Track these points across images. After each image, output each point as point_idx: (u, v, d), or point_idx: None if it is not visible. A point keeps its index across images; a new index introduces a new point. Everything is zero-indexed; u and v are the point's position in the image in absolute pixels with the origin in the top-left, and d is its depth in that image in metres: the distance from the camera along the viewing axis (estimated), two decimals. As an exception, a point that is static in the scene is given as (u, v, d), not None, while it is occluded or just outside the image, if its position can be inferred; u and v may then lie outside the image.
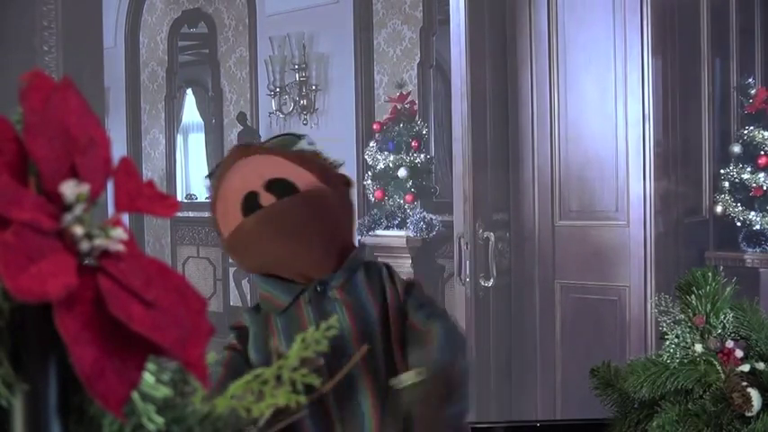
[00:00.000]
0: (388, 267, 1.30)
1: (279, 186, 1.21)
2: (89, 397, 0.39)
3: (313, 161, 1.25)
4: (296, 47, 5.68)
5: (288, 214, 1.20)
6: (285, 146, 1.27)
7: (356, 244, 1.34)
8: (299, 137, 1.29)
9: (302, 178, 1.22)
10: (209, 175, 1.32)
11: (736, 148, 3.77)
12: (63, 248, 0.38)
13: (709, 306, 1.43)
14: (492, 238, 3.31)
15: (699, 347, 1.39)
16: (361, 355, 1.20)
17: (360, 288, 1.26)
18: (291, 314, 1.26)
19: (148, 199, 0.43)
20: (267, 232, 1.20)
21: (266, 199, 1.20)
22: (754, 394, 1.29)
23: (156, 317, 0.39)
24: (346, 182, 1.32)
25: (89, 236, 0.39)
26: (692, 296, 1.43)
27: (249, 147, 1.30)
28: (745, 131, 3.78)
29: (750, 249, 3.67)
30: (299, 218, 1.21)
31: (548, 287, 3.53)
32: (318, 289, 1.25)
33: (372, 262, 1.32)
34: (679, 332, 1.41)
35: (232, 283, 6.24)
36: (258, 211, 1.20)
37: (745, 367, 1.34)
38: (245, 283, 6.10)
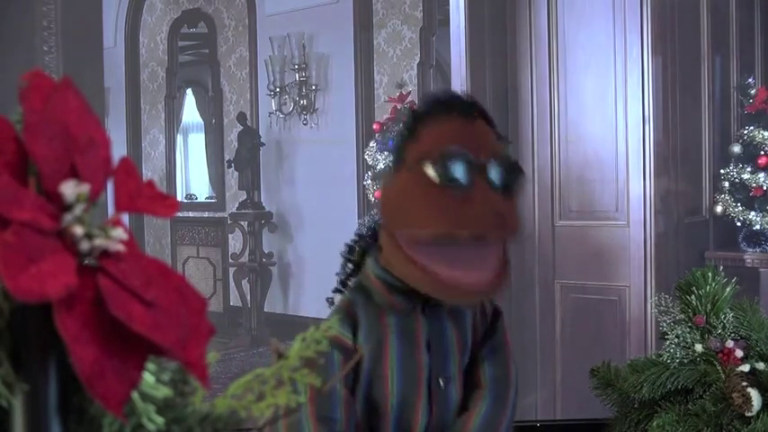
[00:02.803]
0: None
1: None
2: (89, 397, 0.39)
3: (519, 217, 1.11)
4: (296, 47, 5.68)
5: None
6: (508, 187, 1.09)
7: None
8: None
9: None
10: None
11: (736, 148, 3.77)
12: (63, 248, 0.38)
13: (709, 306, 1.43)
14: (492, 238, 3.30)
15: (699, 347, 1.39)
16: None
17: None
18: (407, 317, 1.20)
19: (148, 199, 0.43)
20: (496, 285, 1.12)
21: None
22: (754, 394, 1.29)
23: (156, 317, 0.39)
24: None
25: (89, 236, 0.39)
26: (692, 296, 1.43)
27: (497, 218, 1.05)
28: (745, 131, 3.78)
29: (750, 249, 3.67)
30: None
31: (548, 287, 3.53)
32: (433, 302, 1.21)
33: None
34: (679, 332, 1.41)
35: (232, 283, 6.24)
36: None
37: (745, 367, 1.34)
38: (245, 283, 6.10)
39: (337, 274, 1.31)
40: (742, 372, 1.33)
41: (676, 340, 1.41)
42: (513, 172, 1.09)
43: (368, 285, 1.21)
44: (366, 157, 4.95)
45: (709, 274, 1.45)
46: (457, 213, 1.03)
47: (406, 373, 1.20)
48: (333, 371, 1.16)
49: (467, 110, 1.13)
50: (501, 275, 1.08)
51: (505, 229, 1.06)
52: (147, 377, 0.43)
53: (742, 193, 3.71)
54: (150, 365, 0.44)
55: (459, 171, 1.05)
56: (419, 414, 1.20)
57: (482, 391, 1.24)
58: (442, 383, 1.21)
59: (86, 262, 0.39)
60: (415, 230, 1.06)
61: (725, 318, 1.41)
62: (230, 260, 6.25)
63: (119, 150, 0.55)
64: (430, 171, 1.05)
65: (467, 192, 1.04)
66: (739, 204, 3.70)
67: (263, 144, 6.04)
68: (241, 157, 6.03)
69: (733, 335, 1.41)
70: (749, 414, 1.29)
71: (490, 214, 1.03)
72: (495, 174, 1.06)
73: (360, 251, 1.26)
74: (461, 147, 1.07)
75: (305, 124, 5.76)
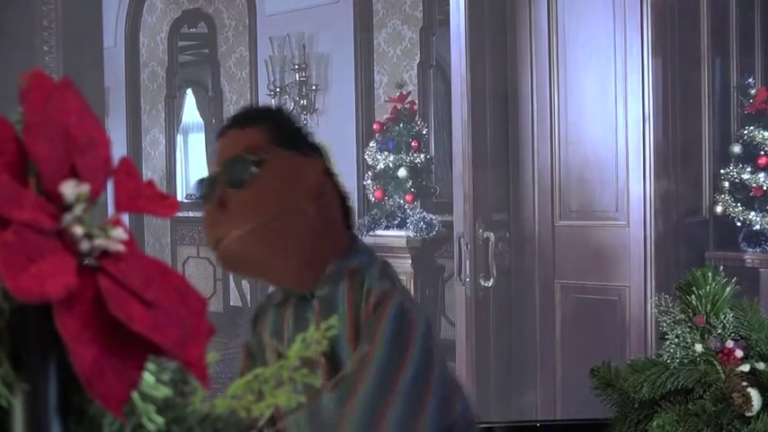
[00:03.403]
0: (369, 276, 1.23)
1: None
2: (89, 397, 0.39)
3: (273, 198, 1.20)
4: (296, 47, 5.68)
5: (264, 236, 1.20)
6: (237, 179, 1.21)
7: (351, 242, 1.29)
8: (244, 159, 1.21)
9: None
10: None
11: (736, 148, 3.77)
12: (63, 248, 0.38)
13: (709, 306, 1.43)
14: (492, 238, 3.31)
15: (699, 347, 1.39)
16: (362, 353, 1.18)
17: (339, 299, 1.23)
18: (278, 313, 1.30)
19: (148, 199, 0.43)
20: (250, 252, 1.22)
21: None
22: (754, 394, 1.29)
23: (156, 317, 0.39)
24: (317, 179, 1.24)
25: (89, 236, 0.39)
26: (692, 296, 1.43)
27: (214, 225, 1.22)
28: (745, 131, 3.78)
29: (750, 249, 3.67)
30: (275, 241, 1.21)
31: (548, 287, 3.53)
32: (306, 296, 1.25)
33: (361, 268, 1.24)
34: (679, 332, 1.41)
35: (232, 283, 6.25)
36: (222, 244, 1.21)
37: (745, 367, 1.34)
38: (244, 283, 6.10)
39: None
40: (742, 372, 1.33)
41: (676, 340, 1.41)
42: (240, 169, 1.20)
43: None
44: (366, 157, 4.95)
45: (709, 274, 1.45)
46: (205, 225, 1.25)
47: (263, 359, 1.32)
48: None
49: (222, 131, 1.28)
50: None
51: (219, 232, 1.20)
52: (147, 377, 0.43)
53: (742, 193, 3.71)
54: (150, 365, 0.44)
55: (200, 189, 1.26)
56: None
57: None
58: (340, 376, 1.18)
59: (86, 262, 0.39)
60: None
61: (725, 318, 1.41)
62: (230, 260, 6.24)
63: (119, 150, 0.55)
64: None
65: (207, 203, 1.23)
66: (739, 204, 3.70)
67: (263, 144, 6.03)
68: (241, 157, 6.02)
69: (733, 335, 1.41)
70: (749, 414, 1.29)
71: (209, 229, 1.23)
72: (208, 186, 1.23)
73: None
74: (213, 163, 1.25)
75: (305, 124, 5.76)
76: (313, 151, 1.29)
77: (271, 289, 1.40)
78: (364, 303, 1.20)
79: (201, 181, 1.25)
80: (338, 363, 1.19)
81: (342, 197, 1.30)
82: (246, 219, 1.18)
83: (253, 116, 1.29)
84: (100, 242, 0.39)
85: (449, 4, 3.38)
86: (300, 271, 1.23)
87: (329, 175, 1.29)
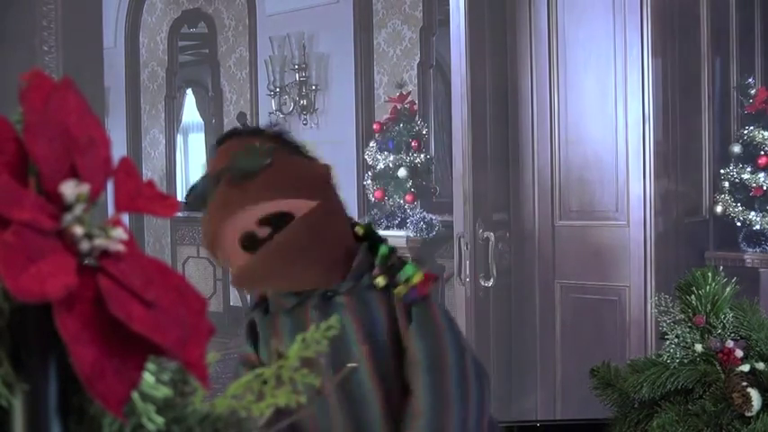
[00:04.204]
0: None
1: (271, 218, 1.19)
2: (89, 397, 0.39)
3: (288, 181, 1.21)
4: (296, 47, 5.68)
5: (290, 244, 1.18)
6: (249, 173, 1.21)
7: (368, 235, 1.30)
8: (257, 150, 1.21)
9: (292, 204, 1.19)
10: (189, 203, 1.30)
11: (736, 148, 3.77)
12: (63, 248, 0.38)
13: (709, 306, 1.43)
14: (492, 238, 3.31)
15: (699, 347, 1.39)
16: (346, 373, 1.19)
17: (366, 292, 1.24)
18: (297, 316, 1.25)
19: (148, 199, 0.43)
20: (275, 266, 1.20)
21: (263, 233, 1.19)
22: (754, 394, 1.29)
23: (156, 317, 0.39)
24: (326, 176, 1.26)
25: (89, 236, 0.39)
26: (692, 296, 1.43)
27: (228, 204, 1.20)
28: (745, 131, 3.77)
29: (750, 249, 3.67)
30: (302, 243, 1.19)
31: (548, 287, 3.53)
32: (329, 294, 1.24)
33: (386, 266, 1.26)
34: (679, 332, 1.41)
35: (232, 283, 6.24)
36: (261, 249, 1.18)
37: (745, 367, 1.34)
38: (245, 283, 6.10)
39: None
40: (742, 372, 1.33)
41: (676, 340, 1.41)
42: (252, 157, 1.20)
43: (266, 296, 1.31)
44: (366, 157, 4.95)
45: (709, 274, 1.45)
46: (207, 219, 1.22)
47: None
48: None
49: (221, 139, 1.29)
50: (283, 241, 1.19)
51: (231, 210, 1.19)
52: (147, 377, 0.43)
53: (742, 193, 3.71)
54: (150, 365, 0.44)
55: (200, 189, 1.24)
56: (335, 403, 1.21)
57: (417, 368, 1.21)
58: (345, 372, 1.20)
59: (86, 262, 0.39)
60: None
61: (725, 318, 1.41)
62: (230, 260, 6.24)
63: (119, 150, 0.55)
64: None
65: (209, 201, 1.22)
66: (739, 204, 3.70)
67: (263, 144, 6.03)
68: (241, 157, 6.02)
69: (733, 335, 1.41)
70: (749, 414, 1.29)
71: (219, 210, 1.20)
72: (226, 174, 1.20)
73: None
74: (210, 169, 1.24)
75: (305, 124, 5.76)
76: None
77: (251, 299, 1.40)
78: (399, 309, 1.24)
79: (194, 187, 1.24)
80: (378, 346, 1.22)
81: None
82: (266, 197, 1.18)
83: (254, 129, 1.30)
84: (100, 242, 0.39)
85: (449, 4, 3.38)
86: (330, 268, 1.23)
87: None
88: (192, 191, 1.25)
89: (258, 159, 1.19)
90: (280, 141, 1.26)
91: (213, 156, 1.27)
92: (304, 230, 1.19)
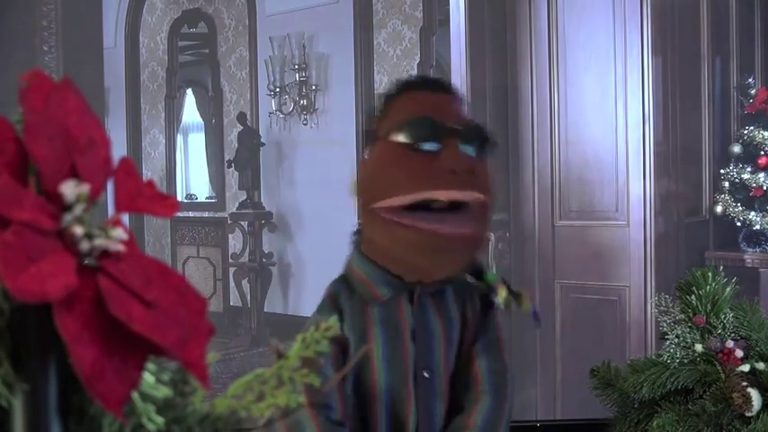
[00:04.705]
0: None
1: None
2: (89, 397, 0.39)
3: (488, 178, 1.15)
4: (296, 47, 5.68)
5: (480, 237, 1.15)
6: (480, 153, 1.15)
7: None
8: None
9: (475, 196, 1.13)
10: None
11: (736, 148, 3.77)
12: (63, 248, 0.38)
13: (709, 306, 1.43)
14: (492, 238, 3.31)
15: (699, 347, 1.39)
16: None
17: (447, 292, 1.23)
18: (391, 308, 1.20)
19: (148, 199, 0.43)
20: (460, 254, 1.16)
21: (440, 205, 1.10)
22: (754, 394, 1.29)
23: (156, 317, 0.39)
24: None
25: (89, 236, 0.39)
26: (692, 296, 1.43)
27: (451, 177, 1.08)
28: (745, 131, 3.78)
29: (750, 249, 3.67)
30: (482, 236, 1.16)
31: (548, 287, 3.53)
32: (428, 290, 1.22)
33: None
34: (679, 332, 1.41)
35: (232, 283, 6.24)
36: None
37: (745, 367, 1.34)
38: (245, 283, 6.10)
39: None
40: (742, 372, 1.33)
41: (676, 340, 1.41)
42: (484, 138, 1.14)
43: (351, 277, 1.22)
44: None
45: (710, 274, 1.45)
46: (427, 174, 1.08)
47: (391, 362, 1.19)
48: (325, 359, 1.15)
49: (435, 84, 1.20)
50: (478, 233, 1.13)
51: (475, 188, 1.10)
52: (147, 377, 0.43)
53: (742, 193, 3.71)
54: (150, 365, 0.44)
55: (426, 133, 1.09)
56: (410, 404, 1.20)
57: (480, 387, 1.22)
58: (426, 374, 1.20)
59: (86, 262, 0.39)
60: (390, 200, 1.10)
61: (725, 318, 1.41)
62: (230, 260, 6.25)
63: (119, 150, 0.55)
64: (399, 137, 1.11)
65: (436, 154, 1.08)
66: (739, 204, 3.70)
67: (263, 144, 6.04)
68: (241, 157, 6.03)
69: (733, 335, 1.41)
70: (749, 414, 1.29)
71: (461, 173, 1.08)
72: (463, 138, 1.11)
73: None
74: (429, 111, 1.12)
75: (305, 124, 5.76)
76: None
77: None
78: (470, 309, 1.25)
79: (422, 120, 1.11)
80: (452, 347, 1.23)
81: None
82: (485, 191, 1.12)
83: (458, 95, 1.22)
84: (100, 242, 0.39)
85: (449, 4, 3.38)
86: (462, 267, 1.22)
87: None
88: (421, 123, 1.11)
89: (487, 144, 1.14)
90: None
91: (426, 100, 1.16)
92: (486, 224, 1.16)
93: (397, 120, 1.13)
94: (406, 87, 1.20)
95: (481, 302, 1.26)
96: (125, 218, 0.42)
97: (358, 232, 1.26)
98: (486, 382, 1.22)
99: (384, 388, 1.19)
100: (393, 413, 1.20)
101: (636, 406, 1.44)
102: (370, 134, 1.21)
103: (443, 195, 1.08)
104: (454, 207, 1.09)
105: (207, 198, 7.23)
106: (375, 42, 5.46)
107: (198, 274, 6.56)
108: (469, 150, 1.11)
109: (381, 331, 1.20)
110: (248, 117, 6.10)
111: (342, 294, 1.22)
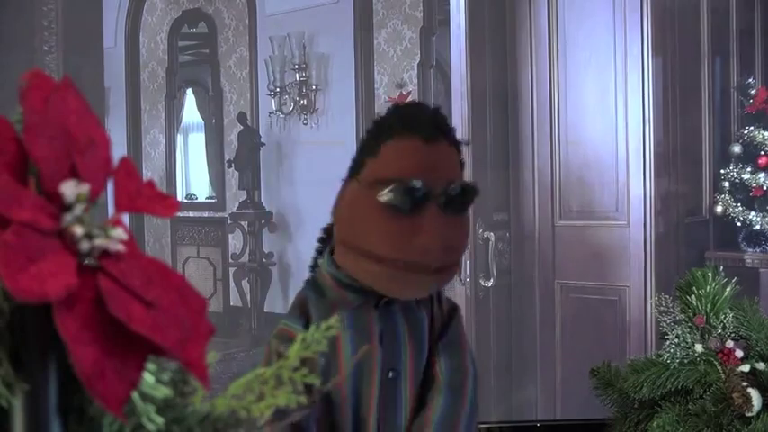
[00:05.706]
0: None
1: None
2: (89, 397, 0.39)
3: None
4: (296, 47, 5.68)
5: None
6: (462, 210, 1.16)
7: None
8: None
9: None
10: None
11: (736, 148, 3.77)
12: (63, 248, 0.38)
13: (709, 306, 1.43)
14: (492, 238, 3.31)
15: (699, 347, 1.39)
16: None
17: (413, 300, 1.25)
18: (360, 313, 1.22)
19: (148, 199, 0.43)
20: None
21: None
22: (754, 394, 1.29)
23: (156, 317, 0.39)
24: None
25: (89, 236, 0.39)
26: (692, 296, 1.43)
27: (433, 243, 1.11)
28: (745, 131, 3.78)
29: (750, 249, 3.67)
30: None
31: (548, 287, 3.53)
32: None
33: None
34: (679, 332, 1.41)
35: (232, 283, 6.25)
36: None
37: (745, 367, 1.34)
38: (244, 283, 6.10)
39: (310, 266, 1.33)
40: (742, 372, 1.33)
41: (676, 340, 1.41)
42: (468, 194, 1.14)
43: (321, 282, 1.24)
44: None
45: (709, 274, 1.45)
46: (406, 242, 1.09)
47: (359, 366, 1.21)
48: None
49: (429, 131, 1.14)
50: (453, 268, 1.17)
51: (451, 258, 1.14)
52: (147, 377, 0.43)
53: (742, 193, 3.71)
54: (150, 365, 0.44)
55: (411, 201, 1.09)
56: (372, 406, 1.21)
57: (438, 383, 1.24)
58: (391, 375, 1.21)
59: (86, 262, 0.39)
60: (365, 249, 1.13)
61: (725, 318, 1.41)
62: (230, 260, 6.25)
63: (119, 150, 0.55)
64: (383, 197, 1.10)
65: (418, 221, 1.09)
66: (739, 204, 3.70)
67: (263, 144, 6.04)
68: (241, 157, 6.03)
69: (733, 335, 1.41)
70: (749, 414, 1.29)
71: (438, 246, 1.10)
72: (448, 200, 1.11)
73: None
74: (419, 173, 1.10)
75: (305, 124, 5.76)
76: None
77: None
78: (437, 311, 1.27)
79: (411, 189, 1.09)
80: (420, 350, 1.24)
81: None
82: (460, 252, 1.17)
83: (452, 137, 1.20)
84: (100, 242, 0.39)
85: (449, 4, 3.38)
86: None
87: None
88: (409, 192, 1.09)
89: (470, 200, 1.15)
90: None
91: (422, 157, 1.13)
92: (461, 254, 1.21)
93: (386, 173, 1.12)
94: (401, 126, 1.16)
95: (447, 306, 1.29)
96: (125, 218, 0.42)
97: (328, 234, 1.29)
98: (444, 378, 1.24)
99: (351, 389, 1.21)
100: (358, 415, 1.22)
101: (636, 406, 1.44)
102: (357, 165, 1.20)
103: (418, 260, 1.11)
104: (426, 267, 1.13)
105: (207, 198, 7.23)
106: (375, 42, 5.46)
107: (198, 274, 6.57)
108: (454, 210, 1.13)
109: (350, 334, 1.21)
110: (248, 117, 6.10)
111: (310, 300, 1.23)
